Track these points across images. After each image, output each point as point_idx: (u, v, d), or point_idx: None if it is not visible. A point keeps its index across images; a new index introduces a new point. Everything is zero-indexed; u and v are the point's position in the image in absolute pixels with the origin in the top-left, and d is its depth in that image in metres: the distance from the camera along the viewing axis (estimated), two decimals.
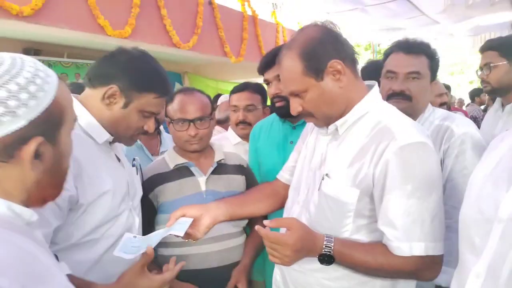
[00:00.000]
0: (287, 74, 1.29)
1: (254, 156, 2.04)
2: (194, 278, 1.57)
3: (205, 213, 1.37)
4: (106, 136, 1.35)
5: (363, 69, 2.49)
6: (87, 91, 1.37)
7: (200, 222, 1.35)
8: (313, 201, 1.32)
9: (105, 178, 1.30)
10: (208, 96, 1.79)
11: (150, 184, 1.69)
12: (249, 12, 7.40)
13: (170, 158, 1.75)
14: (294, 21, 8.37)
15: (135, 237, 1.31)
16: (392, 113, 1.28)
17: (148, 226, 1.59)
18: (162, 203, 1.66)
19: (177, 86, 6.82)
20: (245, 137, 2.37)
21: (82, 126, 1.31)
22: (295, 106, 1.29)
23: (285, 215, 1.49)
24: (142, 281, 1.17)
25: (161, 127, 2.67)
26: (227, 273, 1.65)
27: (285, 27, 8.20)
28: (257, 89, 2.37)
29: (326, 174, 1.28)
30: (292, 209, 1.41)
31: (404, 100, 1.65)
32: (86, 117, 1.33)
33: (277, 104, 1.88)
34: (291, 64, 1.26)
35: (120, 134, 1.38)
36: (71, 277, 1.20)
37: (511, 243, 0.83)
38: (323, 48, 1.24)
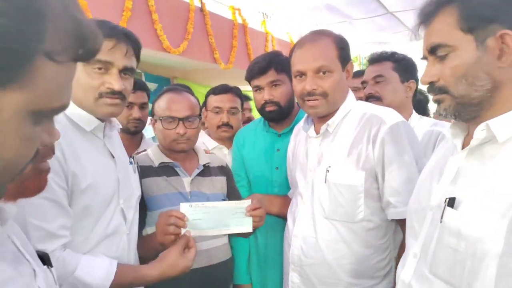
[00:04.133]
0: (324, 50, 1.44)
1: (240, 162, 2.05)
2: (183, 278, 1.34)
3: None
4: (94, 122, 1.25)
5: None
6: None
7: None
8: (322, 195, 1.45)
9: (87, 171, 1.19)
10: (196, 98, 1.78)
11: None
12: (240, 21, 7.49)
13: (155, 155, 1.70)
14: (283, 31, 8.50)
15: (190, 206, 1.45)
16: (371, 106, 1.50)
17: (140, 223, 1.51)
18: (147, 199, 1.60)
19: None
20: (224, 140, 2.32)
21: (67, 114, 1.21)
22: (312, 85, 1.43)
23: (289, 217, 1.63)
24: (181, 261, 1.30)
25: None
26: (216, 272, 1.64)
27: (274, 36, 8.31)
28: (238, 92, 2.36)
29: (329, 167, 1.43)
30: (300, 211, 1.54)
31: (376, 101, 1.89)
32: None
33: (268, 109, 1.86)
34: (328, 45, 1.44)
35: (83, 102, 1.22)
36: (120, 266, 1.21)
37: (436, 227, 0.95)
38: (348, 47, 1.49)
